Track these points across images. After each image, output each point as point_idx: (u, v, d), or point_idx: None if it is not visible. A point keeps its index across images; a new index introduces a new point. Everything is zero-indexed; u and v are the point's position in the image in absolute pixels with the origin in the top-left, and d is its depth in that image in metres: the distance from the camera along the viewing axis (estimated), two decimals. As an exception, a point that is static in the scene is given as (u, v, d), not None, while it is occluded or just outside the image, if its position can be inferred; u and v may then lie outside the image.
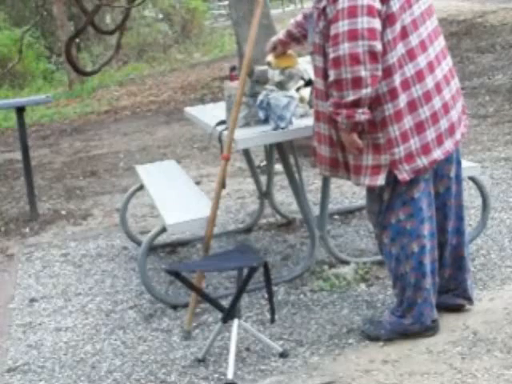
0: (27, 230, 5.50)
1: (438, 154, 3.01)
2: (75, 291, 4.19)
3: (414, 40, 2.94)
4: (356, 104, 2.88)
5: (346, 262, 3.97)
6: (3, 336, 3.73)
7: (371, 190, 3.17)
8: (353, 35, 2.80)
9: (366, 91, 2.85)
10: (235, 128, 3.50)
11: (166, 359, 3.27)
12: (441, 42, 3.09)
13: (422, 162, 2.98)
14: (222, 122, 3.79)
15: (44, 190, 6.67)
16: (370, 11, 2.80)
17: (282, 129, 3.57)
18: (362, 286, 3.73)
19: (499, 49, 10.41)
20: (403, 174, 2.99)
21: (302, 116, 3.72)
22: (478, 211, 4.34)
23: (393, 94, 2.93)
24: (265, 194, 4.86)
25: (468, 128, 3.22)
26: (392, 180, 3.03)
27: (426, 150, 2.98)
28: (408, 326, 3.14)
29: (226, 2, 21.85)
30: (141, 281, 3.84)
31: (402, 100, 2.94)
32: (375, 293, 3.63)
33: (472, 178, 4.06)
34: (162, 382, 3.10)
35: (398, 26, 2.90)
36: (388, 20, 2.88)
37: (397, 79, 2.92)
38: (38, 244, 5.14)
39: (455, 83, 3.12)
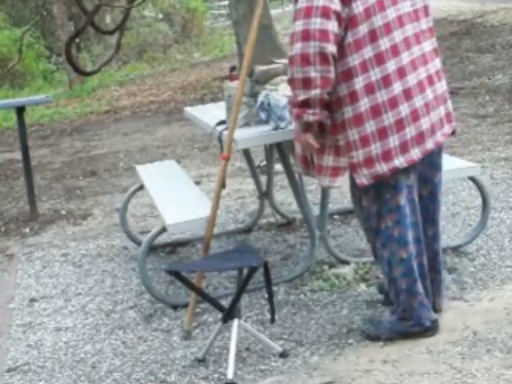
0: (27, 230, 5.49)
1: (400, 161, 2.94)
2: (75, 291, 4.19)
3: (384, 44, 2.89)
4: (305, 104, 2.88)
5: (346, 262, 3.97)
6: (3, 336, 3.73)
7: (353, 195, 3.19)
8: (305, 36, 2.80)
9: (315, 92, 2.84)
10: (235, 128, 3.50)
11: (166, 359, 3.27)
12: (424, 47, 3.02)
13: (381, 168, 2.94)
14: (222, 122, 3.79)
15: (44, 190, 6.67)
16: (325, 12, 2.78)
17: (282, 129, 3.57)
18: (362, 286, 3.73)
19: (499, 49, 10.41)
20: (362, 179, 2.97)
21: (301, 116, 3.72)
22: (478, 211, 4.33)
23: (353, 97, 2.91)
24: (265, 194, 4.86)
25: (446, 137, 3.12)
26: (371, 188, 3.01)
27: (386, 156, 2.93)
28: (408, 327, 3.13)
29: (226, 2, 21.83)
30: (141, 281, 3.84)
31: (364, 104, 2.90)
32: (375, 293, 3.62)
33: (472, 178, 4.06)
34: (161, 382, 3.10)
35: (362, 29, 2.86)
36: (350, 22, 2.85)
37: (359, 83, 2.89)
38: (37, 244, 5.14)
39: (434, 90, 3.03)
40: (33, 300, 4.14)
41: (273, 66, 3.87)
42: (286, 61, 3.90)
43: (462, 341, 3.07)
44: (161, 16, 23.10)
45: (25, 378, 3.29)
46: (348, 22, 2.84)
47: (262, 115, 3.61)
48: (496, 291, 3.50)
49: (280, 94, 3.59)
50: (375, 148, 2.93)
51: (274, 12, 15.36)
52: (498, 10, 13.81)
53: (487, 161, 5.60)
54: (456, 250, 4.00)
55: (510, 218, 4.42)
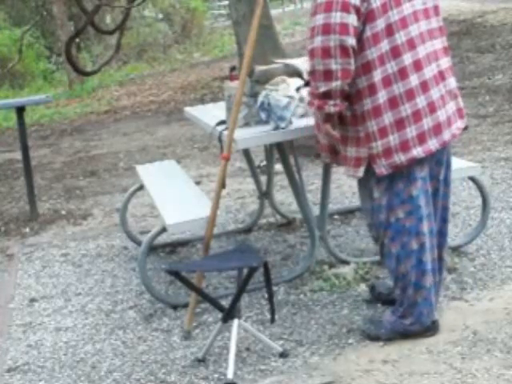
0: (27, 230, 5.49)
1: (417, 151, 3.00)
2: (75, 291, 4.19)
3: (400, 38, 2.96)
4: (327, 95, 2.95)
5: (346, 262, 3.97)
6: (3, 336, 3.73)
7: (362, 188, 3.21)
8: (326, 29, 2.87)
9: (336, 84, 2.91)
10: (235, 128, 3.50)
11: (166, 359, 3.27)
12: (435, 44, 3.09)
13: (399, 158, 3.00)
14: (222, 122, 3.79)
15: (44, 190, 6.67)
16: (345, 7, 2.86)
17: (282, 129, 3.57)
18: (362, 286, 3.73)
19: (499, 49, 10.41)
20: (381, 169, 3.03)
21: (302, 116, 3.72)
22: (478, 211, 4.34)
23: (372, 90, 2.97)
24: (265, 194, 4.86)
25: (461, 131, 3.18)
26: (384, 178, 3.05)
27: (404, 147, 2.99)
28: (408, 326, 3.14)
29: (226, 2, 21.83)
30: (141, 281, 3.84)
31: (382, 96, 2.96)
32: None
33: (472, 178, 4.06)
34: (161, 382, 3.10)
35: (379, 23, 2.93)
36: (368, 17, 2.92)
37: (377, 75, 2.95)
38: (37, 244, 5.14)
39: (446, 85, 3.10)
40: (33, 300, 4.14)
41: (273, 66, 3.88)
42: (285, 61, 3.94)
43: (462, 341, 3.07)
44: (161, 16, 23.10)
45: (25, 378, 3.29)
46: (366, 16, 2.92)
47: (262, 115, 3.61)
48: (496, 291, 3.50)
49: (280, 94, 3.59)
50: (393, 139, 2.99)
51: (274, 12, 15.36)
52: (497, 9, 13.82)
53: (487, 161, 5.60)
54: (456, 250, 4.00)
55: (510, 218, 4.42)
